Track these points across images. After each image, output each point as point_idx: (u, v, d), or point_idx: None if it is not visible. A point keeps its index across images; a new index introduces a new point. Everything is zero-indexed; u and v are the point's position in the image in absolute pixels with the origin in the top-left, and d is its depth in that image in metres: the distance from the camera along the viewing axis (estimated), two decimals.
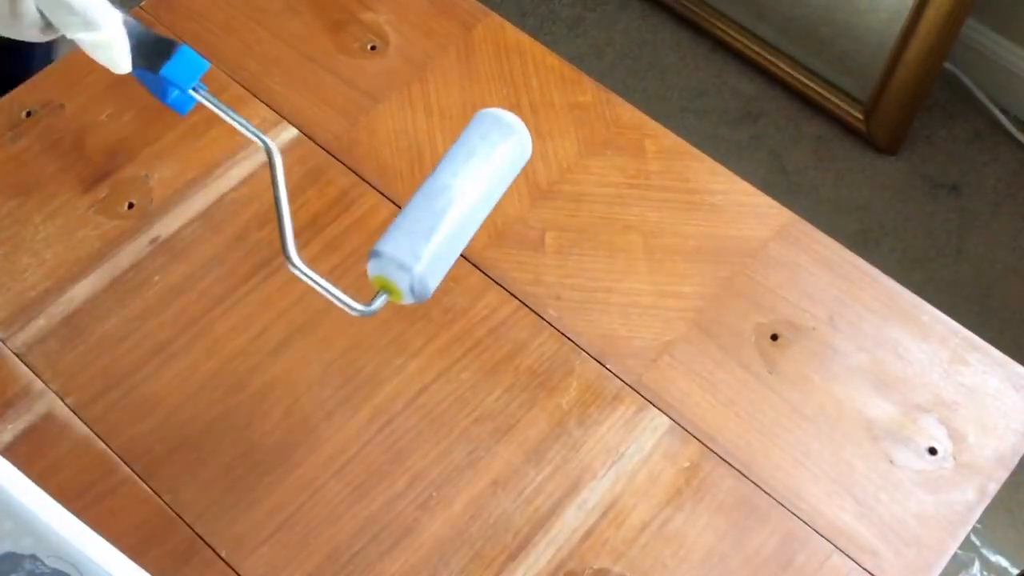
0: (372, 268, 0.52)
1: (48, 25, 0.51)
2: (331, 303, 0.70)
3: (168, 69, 0.50)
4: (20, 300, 0.70)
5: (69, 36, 0.51)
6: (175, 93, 0.52)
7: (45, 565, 0.56)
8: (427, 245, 0.52)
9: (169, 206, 0.74)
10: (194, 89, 0.52)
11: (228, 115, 0.53)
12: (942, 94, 1.67)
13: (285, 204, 0.52)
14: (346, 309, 0.52)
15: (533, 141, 0.77)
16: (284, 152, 0.76)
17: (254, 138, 0.53)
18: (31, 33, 0.51)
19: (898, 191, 1.60)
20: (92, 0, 0.50)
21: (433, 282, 0.52)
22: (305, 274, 0.52)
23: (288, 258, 0.52)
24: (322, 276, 0.71)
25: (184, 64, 0.50)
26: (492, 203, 0.55)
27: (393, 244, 0.52)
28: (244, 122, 0.53)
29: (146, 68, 0.50)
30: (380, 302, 0.52)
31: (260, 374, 0.68)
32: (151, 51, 0.50)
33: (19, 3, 0.50)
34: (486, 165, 0.53)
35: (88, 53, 0.52)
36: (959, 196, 1.60)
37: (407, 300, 0.52)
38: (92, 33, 0.50)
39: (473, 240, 0.73)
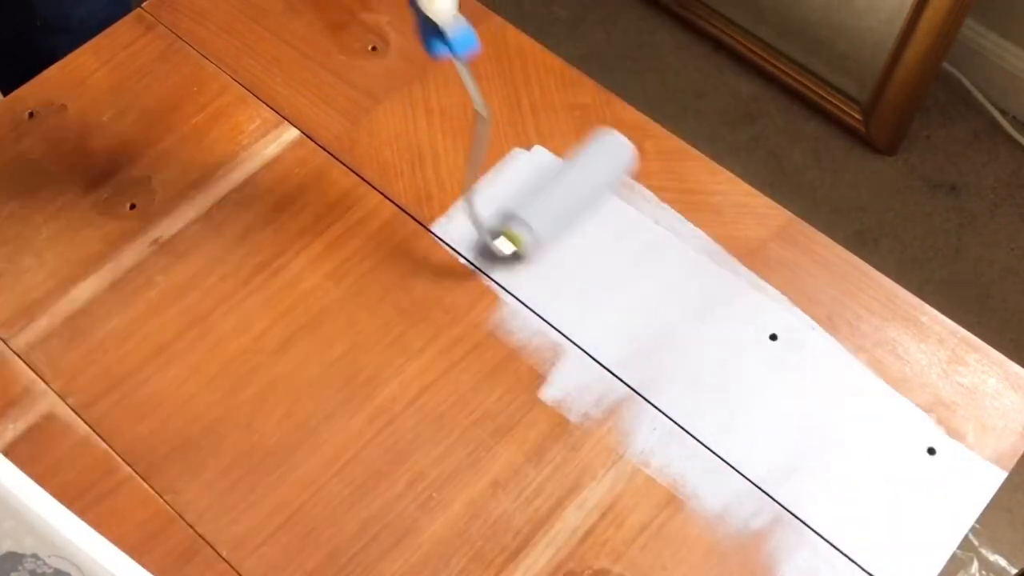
0: (500, 222, 0.71)
1: None
2: (331, 304, 0.70)
3: (455, 39, 0.62)
4: (22, 300, 0.70)
5: None
6: (443, 50, 0.63)
7: (46, 564, 0.57)
8: (543, 209, 0.71)
9: (171, 207, 0.74)
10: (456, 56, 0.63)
11: (469, 82, 0.64)
12: (941, 95, 1.68)
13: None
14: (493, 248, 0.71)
15: (534, 141, 0.77)
16: (284, 153, 0.76)
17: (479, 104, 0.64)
18: None
19: (897, 191, 1.60)
20: None
21: (546, 236, 0.71)
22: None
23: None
24: (323, 278, 0.71)
25: (465, 38, 0.62)
26: (595, 190, 0.74)
27: (521, 207, 0.71)
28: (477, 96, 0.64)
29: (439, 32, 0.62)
30: (504, 246, 0.71)
31: (261, 374, 0.68)
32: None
33: None
34: (588, 164, 0.74)
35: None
36: (958, 196, 1.60)
37: (527, 250, 0.71)
38: None
39: (473, 243, 0.73)
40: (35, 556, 0.56)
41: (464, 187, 0.68)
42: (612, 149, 0.75)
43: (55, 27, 1.01)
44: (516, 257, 0.72)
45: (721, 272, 0.72)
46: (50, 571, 0.56)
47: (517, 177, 0.76)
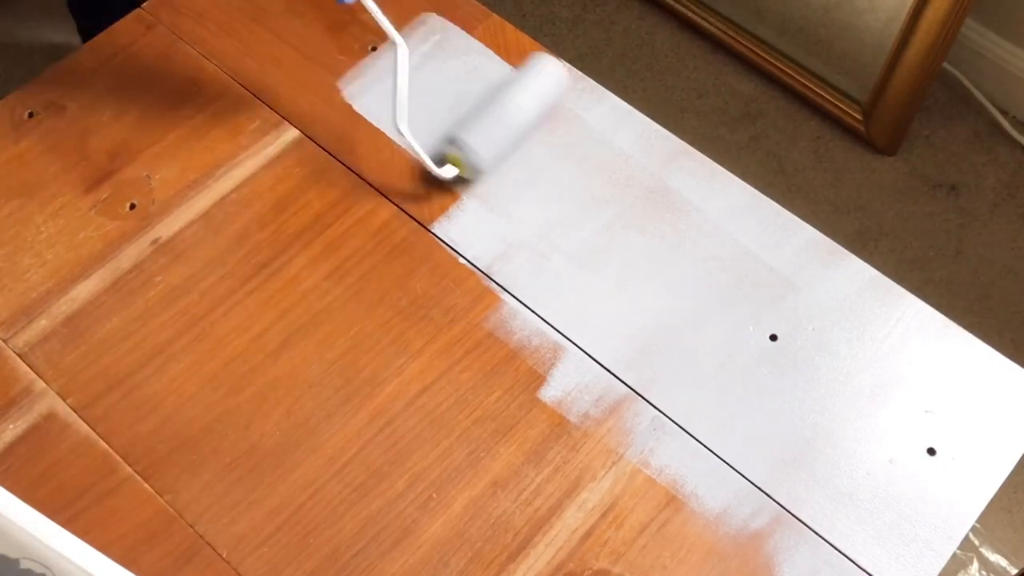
0: (447, 148, 0.73)
1: None
2: (330, 304, 0.70)
3: None
4: (22, 300, 0.70)
5: None
6: None
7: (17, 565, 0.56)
8: (487, 133, 0.73)
9: (170, 207, 0.74)
10: None
11: (378, 14, 0.71)
12: (941, 94, 1.68)
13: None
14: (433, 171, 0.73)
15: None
16: (284, 153, 0.76)
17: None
18: None
19: (897, 191, 1.60)
20: None
21: (487, 157, 0.72)
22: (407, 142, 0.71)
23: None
24: (323, 278, 0.71)
25: None
26: (533, 111, 0.75)
27: (463, 131, 0.73)
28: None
29: None
30: (448, 171, 0.73)
31: (261, 374, 0.68)
32: None
33: None
34: (527, 86, 0.75)
35: None
36: (958, 196, 1.60)
37: (470, 173, 0.73)
38: None
39: (473, 243, 0.73)
40: (4, 557, 0.56)
41: (394, 118, 0.71)
42: (546, 72, 0.76)
43: None
44: (462, 180, 0.74)
45: (722, 271, 0.72)
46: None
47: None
